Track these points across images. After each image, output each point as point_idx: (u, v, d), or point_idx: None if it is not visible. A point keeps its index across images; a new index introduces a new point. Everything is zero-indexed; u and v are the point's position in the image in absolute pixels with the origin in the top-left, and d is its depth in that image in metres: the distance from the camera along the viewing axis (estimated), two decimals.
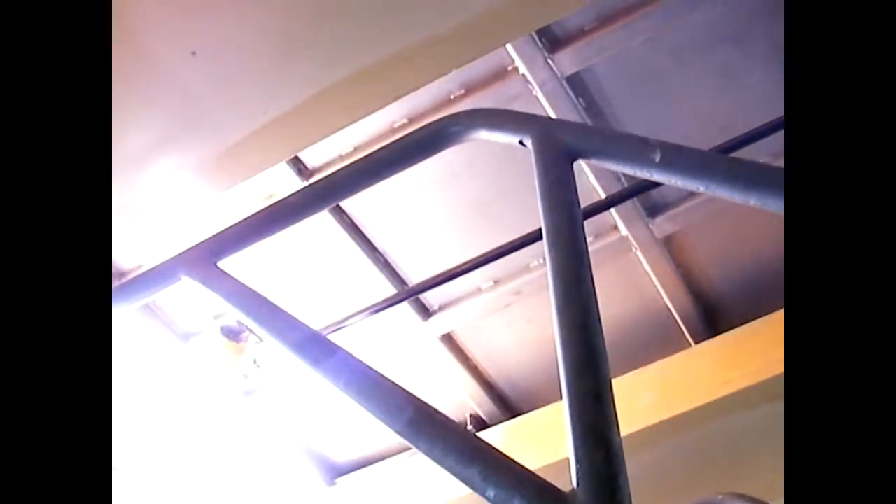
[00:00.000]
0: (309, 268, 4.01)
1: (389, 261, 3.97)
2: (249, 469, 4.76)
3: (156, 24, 2.01)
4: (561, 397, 1.28)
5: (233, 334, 3.90)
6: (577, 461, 1.23)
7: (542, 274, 3.84)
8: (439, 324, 4.18)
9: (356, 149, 3.53)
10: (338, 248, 3.83)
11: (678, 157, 1.53)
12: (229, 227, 1.99)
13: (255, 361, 3.91)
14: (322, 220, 3.65)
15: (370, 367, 1.49)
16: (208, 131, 2.15)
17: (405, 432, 1.41)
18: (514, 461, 1.28)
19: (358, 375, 1.50)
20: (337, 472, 4.79)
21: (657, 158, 1.53)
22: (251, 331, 4.01)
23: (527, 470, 1.27)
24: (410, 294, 3.95)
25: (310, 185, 2.00)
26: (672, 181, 1.55)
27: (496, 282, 4.05)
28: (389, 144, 1.93)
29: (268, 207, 2.02)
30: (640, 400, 3.79)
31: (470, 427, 4.47)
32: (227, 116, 2.12)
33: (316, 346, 1.60)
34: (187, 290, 1.86)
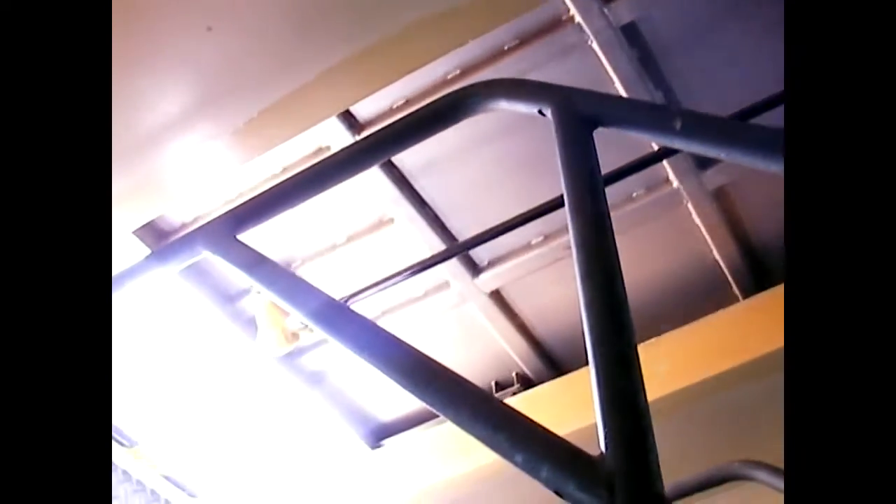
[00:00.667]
0: (356, 221, 3.95)
1: (438, 215, 3.89)
2: (292, 432, 4.72)
3: (170, 1, 2.01)
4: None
5: None
6: (605, 426, 1.24)
7: None
8: (489, 280, 4.11)
9: (408, 101, 3.45)
10: (386, 201, 3.77)
11: (699, 125, 1.53)
12: (247, 201, 2.00)
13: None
14: (371, 174, 3.53)
15: (395, 336, 1.49)
16: (227, 106, 2.16)
17: (432, 401, 1.42)
18: (542, 427, 1.29)
19: (383, 345, 1.52)
20: (381, 433, 4.75)
21: (678, 126, 1.54)
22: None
23: (555, 435, 1.28)
24: (460, 249, 3.88)
25: (326, 159, 2.00)
26: (693, 149, 1.55)
27: (546, 237, 3.98)
28: (405, 117, 1.93)
29: (282, 182, 2.03)
30: (683, 355, 3.76)
31: (517, 385, 4.44)
32: (245, 91, 2.12)
33: (339, 316, 1.61)
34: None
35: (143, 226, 3.16)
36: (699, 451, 2.70)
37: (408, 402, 4.54)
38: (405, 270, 3.80)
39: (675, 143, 1.56)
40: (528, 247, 4.00)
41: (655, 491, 1.18)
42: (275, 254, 3.82)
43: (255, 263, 1.88)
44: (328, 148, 3.50)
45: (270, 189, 2.01)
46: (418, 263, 3.79)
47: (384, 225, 3.90)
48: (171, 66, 2.09)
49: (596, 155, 1.59)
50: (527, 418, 1.31)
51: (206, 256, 1.95)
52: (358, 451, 4.65)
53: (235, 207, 1.99)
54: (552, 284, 4.13)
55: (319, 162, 2.00)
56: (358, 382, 4.60)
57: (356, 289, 3.88)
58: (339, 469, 4.69)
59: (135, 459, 3.18)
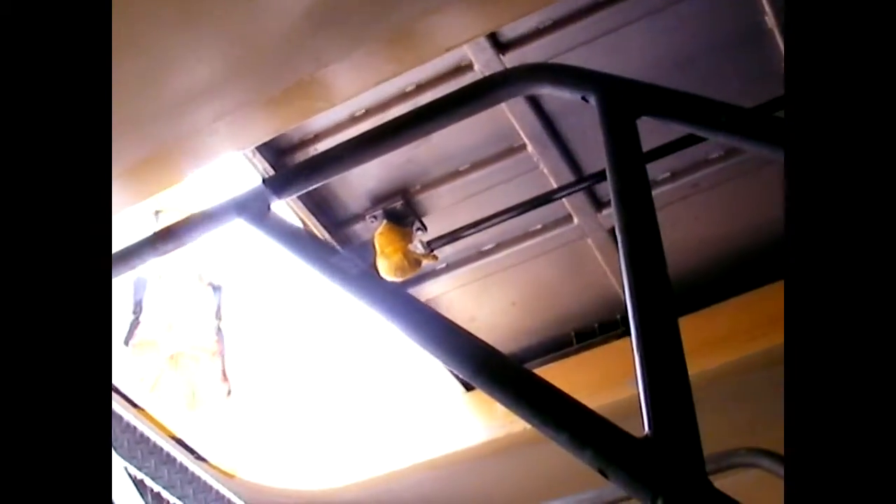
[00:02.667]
0: (483, 147, 3.71)
1: (570, 145, 3.66)
2: (383, 371, 4.57)
3: None
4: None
5: (398, 218, 3.75)
6: (649, 407, 1.27)
7: (723, 167, 3.71)
8: (611, 215, 3.88)
9: (555, 23, 3.25)
10: (519, 128, 3.53)
11: (743, 119, 1.56)
12: (282, 172, 2.03)
13: (428, 245, 3.65)
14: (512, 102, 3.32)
15: (438, 314, 1.52)
16: (263, 75, 2.17)
17: (477, 379, 1.45)
18: (587, 408, 1.33)
19: (426, 321, 1.54)
20: None
21: (723, 119, 1.57)
22: (414, 215, 3.76)
23: (600, 417, 1.31)
24: (592, 181, 3.66)
25: (363, 135, 2.02)
26: (736, 143, 1.59)
27: (674, 173, 3.77)
28: (447, 96, 1.95)
29: (316, 155, 2.06)
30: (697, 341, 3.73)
31: (621, 328, 4.24)
32: (283, 61, 2.14)
33: (381, 291, 1.63)
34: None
35: (264, 143, 2.96)
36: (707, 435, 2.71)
37: (504, 341, 4.33)
38: (532, 200, 3.64)
39: (719, 137, 1.59)
40: (653, 182, 3.70)
41: (700, 474, 1.22)
42: (392, 179, 3.71)
43: (290, 234, 1.91)
44: (470, 66, 3.31)
45: (304, 161, 2.04)
46: (547, 193, 3.66)
47: (514, 153, 3.67)
48: (210, 33, 2.10)
49: (639, 142, 1.61)
50: (572, 399, 1.34)
51: (240, 224, 1.99)
52: (452, 392, 4.47)
53: (270, 177, 2.01)
54: (670, 225, 3.71)
55: (356, 137, 2.02)
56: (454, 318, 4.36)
57: (477, 217, 3.74)
58: (431, 411, 4.55)
59: (144, 420, 3.20)
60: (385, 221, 3.68)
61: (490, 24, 2.28)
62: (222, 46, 2.15)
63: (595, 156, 3.56)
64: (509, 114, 3.45)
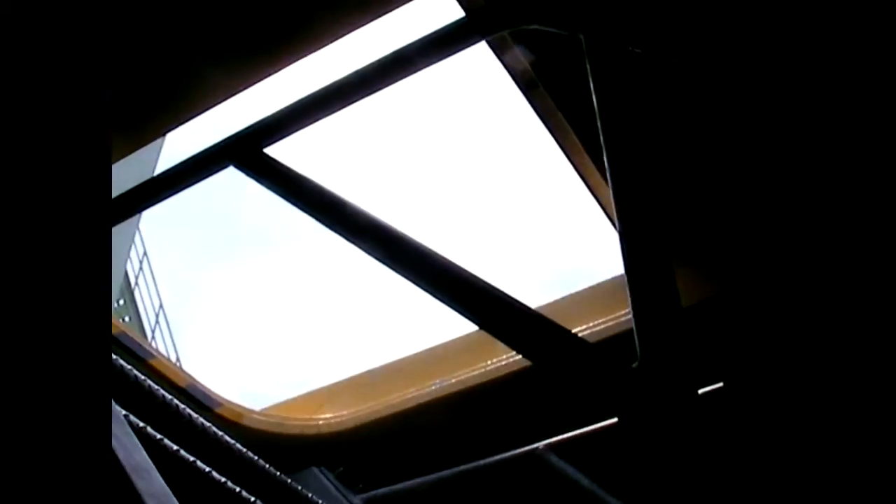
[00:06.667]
0: None
1: None
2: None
3: None
4: None
5: None
6: (640, 335, 1.29)
7: None
8: None
9: None
10: None
11: None
12: (274, 113, 2.00)
13: None
14: None
15: (442, 256, 1.52)
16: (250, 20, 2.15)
17: (480, 320, 1.46)
18: (580, 339, 1.35)
19: (430, 266, 1.54)
20: None
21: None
22: None
23: (592, 345, 1.33)
24: None
25: (355, 73, 1.99)
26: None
27: None
28: (425, 38, 1.92)
29: (308, 96, 2.03)
30: None
31: None
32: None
33: (384, 237, 1.63)
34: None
35: None
36: None
37: None
38: None
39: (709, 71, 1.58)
40: None
41: (688, 401, 1.24)
42: None
43: (284, 178, 1.89)
44: None
45: (296, 102, 2.00)
46: None
47: None
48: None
49: (630, 78, 1.60)
50: (567, 331, 1.36)
51: (234, 169, 1.97)
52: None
53: (261, 119, 1.99)
54: None
55: (348, 75, 1.99)
56: None
57: None
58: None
59: (145, 370, 3.20)
60: None
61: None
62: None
63: None
64: None
